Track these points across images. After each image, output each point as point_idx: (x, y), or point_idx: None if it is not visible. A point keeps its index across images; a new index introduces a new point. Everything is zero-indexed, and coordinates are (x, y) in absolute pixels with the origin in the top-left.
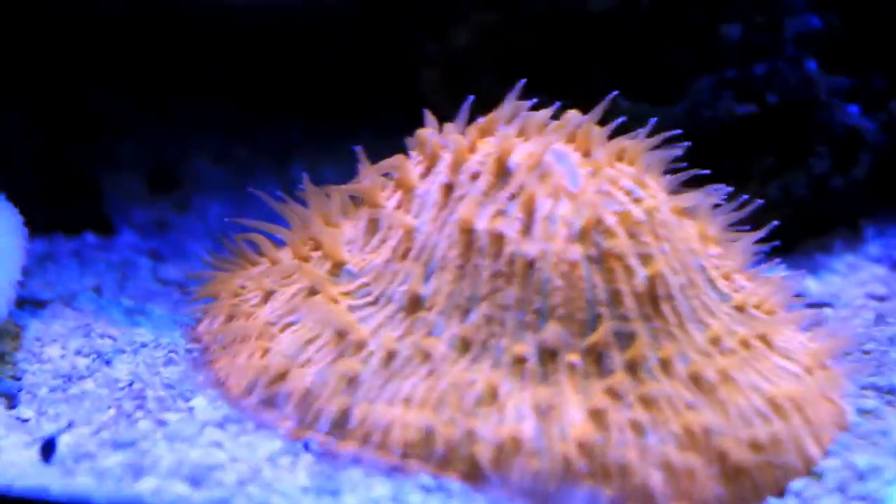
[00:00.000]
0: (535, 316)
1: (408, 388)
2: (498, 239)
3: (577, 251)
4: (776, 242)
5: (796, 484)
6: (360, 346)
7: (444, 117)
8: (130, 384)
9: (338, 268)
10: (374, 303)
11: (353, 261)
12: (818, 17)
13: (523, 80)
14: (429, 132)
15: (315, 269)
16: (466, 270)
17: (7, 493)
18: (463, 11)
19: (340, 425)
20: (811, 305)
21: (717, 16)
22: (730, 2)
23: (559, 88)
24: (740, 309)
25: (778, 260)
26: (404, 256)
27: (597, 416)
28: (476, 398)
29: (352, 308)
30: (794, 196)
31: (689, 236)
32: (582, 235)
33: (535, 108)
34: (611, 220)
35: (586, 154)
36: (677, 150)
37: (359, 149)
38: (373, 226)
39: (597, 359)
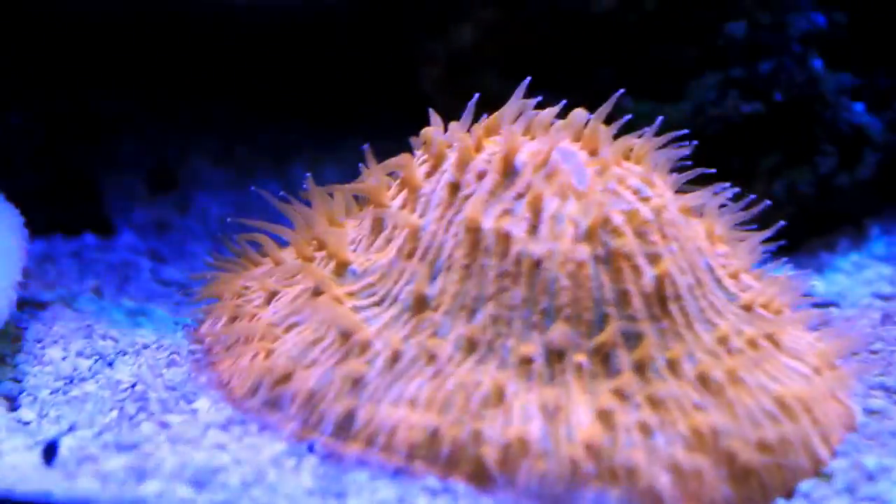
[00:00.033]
0: (541, 316)
1: (413, 388)
2: (505, 238)
3: (584, 251)
4: (782, 242)
5: (805, 485)
6: (365, 346)
7: (447, 116)
8: (133, 386)
9: (342, 268)
10: (380, 303)
11: (358, 261)
12: (823, 14)
13: (528, 78)
14: (434, 131)
15: (319, 269)
16: (473, 270)
17: (9, 497)
18: (464, 9)
19: (345, 427)
20: (817, 305)
21: (722, 14)
22: (735, 0)
23: (563, 87)
24: (748, 308)
25: (785, 259)
26: (410, 256)
27: (604, 416)
28: (482, 399)
29: (356, 308)
30: (800, 194)
31: (697, 235)
32: (589, 235)
33: (539, 106)
34: (618, 219)
35: (593, 153)
36: (685, 149)
37: (366, 147)
38: (377, 225)
39: (604, 359)
